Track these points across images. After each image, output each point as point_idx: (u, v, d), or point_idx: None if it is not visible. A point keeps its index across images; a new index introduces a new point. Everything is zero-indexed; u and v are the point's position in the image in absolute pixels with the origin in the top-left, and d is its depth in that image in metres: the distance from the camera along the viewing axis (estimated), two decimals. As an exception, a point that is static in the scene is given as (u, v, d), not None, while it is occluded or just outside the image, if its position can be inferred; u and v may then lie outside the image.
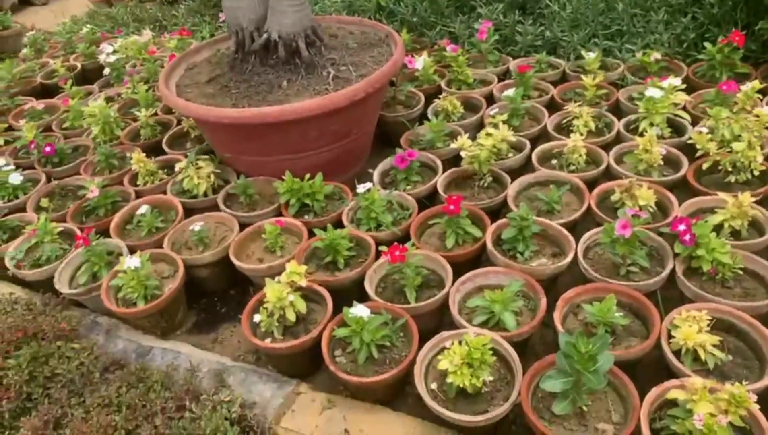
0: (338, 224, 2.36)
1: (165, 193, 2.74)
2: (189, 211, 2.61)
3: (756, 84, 2.59)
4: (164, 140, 3.12)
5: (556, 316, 1.84)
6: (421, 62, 3.30)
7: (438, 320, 2.12)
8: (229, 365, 2.11)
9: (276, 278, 1.99)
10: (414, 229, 2.30)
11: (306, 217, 2.48)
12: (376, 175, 2.66)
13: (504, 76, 3.42)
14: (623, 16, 3.41)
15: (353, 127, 2.67)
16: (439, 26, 3.95)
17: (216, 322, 2.39)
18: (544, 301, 1.92)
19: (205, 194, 2.66)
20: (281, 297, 1.91)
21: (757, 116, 2.40)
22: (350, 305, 1.87)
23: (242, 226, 2.45)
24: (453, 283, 2.02)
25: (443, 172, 2.59)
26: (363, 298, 2.02)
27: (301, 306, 1.96)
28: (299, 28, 2.71)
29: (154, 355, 2.18)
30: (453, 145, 2.57)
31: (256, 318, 1.98)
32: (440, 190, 2.51)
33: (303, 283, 1.98)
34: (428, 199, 2.55)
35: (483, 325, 1.88)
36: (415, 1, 4.00)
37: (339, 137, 2.62)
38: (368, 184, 2.38)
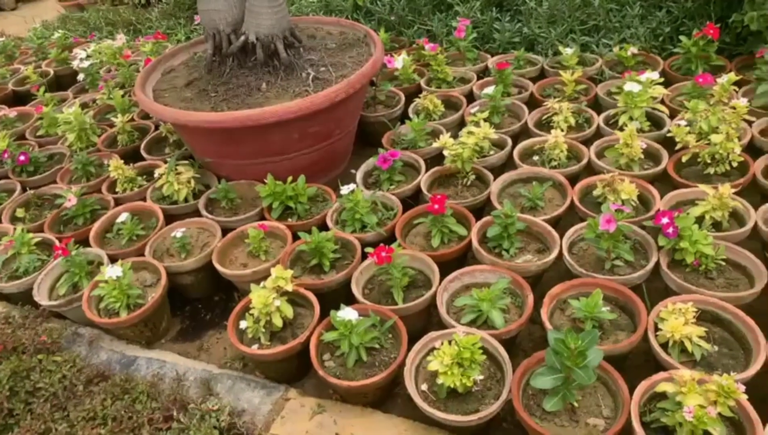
0: (322, 226, 2.34)
1: (145, 199, 2.70)
2: (170, 218, 2.57)
3: (732, 76, 2.62)
4: (142, 146, 3.07)
5: (544, 313, 1.84)
6: (400, 61, 3.29)
7: (426, 320, 2.12)
8: (216, 373, 2.08)
9: (261, 283, 1.97)
10: (399, 229, 2.29)
11: (289, 220, 2.46)
12: (359, 175, 2.65)
13: (483, 73, 3.43)
14: (599, 11, 3.43)
15: (334, 129, 2.65)
16: (416, 25, 3.94)
17: (201, 330, 2.36)
18: (531, 298, 1.92)
19: (186, 200, 2.62)
20: (267, 303, 1.88)
21: (734, 108, 2.43)
22: (337, 308, 1.86)
23: (225, 231, 2.42)
24: (440, 283, 2.01)
25: (426, 171, 2.58)
26: (350, 300, 2.00)
27: (288, 311, 1.94)
28: (277, 29, 2.69)
29: (139, 365, 2.15)
30: (435, 144, 2.56)
31: (242, 324, 1.95)
32: (424, 190, 2.50)
33: (289, 287, 1.95)
34: (412, 199, 2.55)
35: (471, 323, 1.88)
36: (392, 0, 3.99)
37: (320, 139, 2.60)
38: (352, 185, 2.37)
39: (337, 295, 2.08)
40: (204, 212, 2.55)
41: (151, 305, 2.15)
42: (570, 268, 2.03)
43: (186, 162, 2.75)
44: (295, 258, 2.26)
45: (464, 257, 2.28)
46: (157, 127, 3.22)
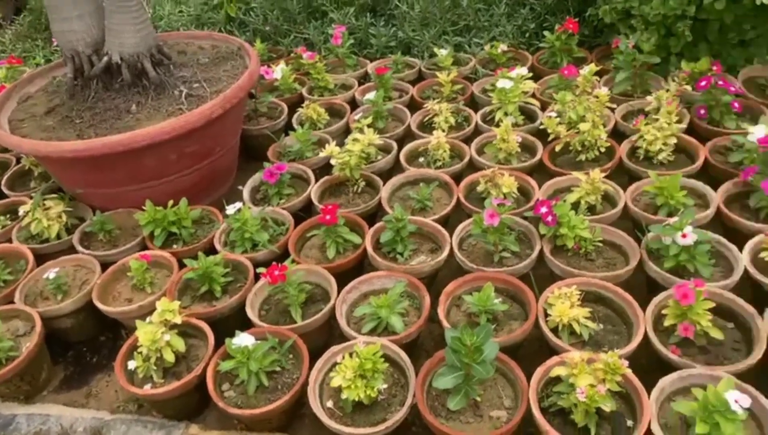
0: (211, 250, 2.24)
1: (10, 241, 2.46)
2: (41, 258, 2.36)
3: (593, 67, 2.80)
4: (3, 182, 2.81)
5: (440, 311, 1.87)
6: (279, 72, 3.24)
7: (328, 334, 2.09)
8: (107, 419, 1.93)
9: (147, 318, 1.85)
10: (292, 244, 2.24)
11: (174, 246, 2.34)
12: (246, 192, 2.57)
13: (364, 79, 3.44)
14: (468, 11, 3.55)
15: (214, 146, 2.55)
16: (293, 34, 3.90)
17: (88, 374, 2.18)
18: (427, 299, 1.94)
19: (58, 236, 2.42)
20: (155, 338, 1.77)
21: (597, 97, 2.59)
22: (233, 335, 1.78)
23: (104, 265, 2.25)
24: (338, 294, 1.99)
25: (316, 181, 2.55)
26: (246, 324, 1.93)
27: (179, 345, 1.83)
28: (142, 47, 2.55)
29: (18, 423, 1.95)
30: (322, 154, 2.54)
31: (131, 365, 1.82)
32: (315, 201, 2.47)
33: (178, 319, 1.85)
34: (304, 211, 2.50)
35: (372, 331, 1.87)
36: (266, 10, 3.92)
37: (200, 158, 2.50)
38: (238, 204, 2.29)
39: (233, 321, 2.00)
40: (80, 248, 2.36)
41: (26, 356, 1.96)
42: (461, 265, 2.08)
43: (55, 195, 2.54)
44: (183, 287, 2.14)
45: (361, 265, 2.27)
46: (18, 161, 2.95)
